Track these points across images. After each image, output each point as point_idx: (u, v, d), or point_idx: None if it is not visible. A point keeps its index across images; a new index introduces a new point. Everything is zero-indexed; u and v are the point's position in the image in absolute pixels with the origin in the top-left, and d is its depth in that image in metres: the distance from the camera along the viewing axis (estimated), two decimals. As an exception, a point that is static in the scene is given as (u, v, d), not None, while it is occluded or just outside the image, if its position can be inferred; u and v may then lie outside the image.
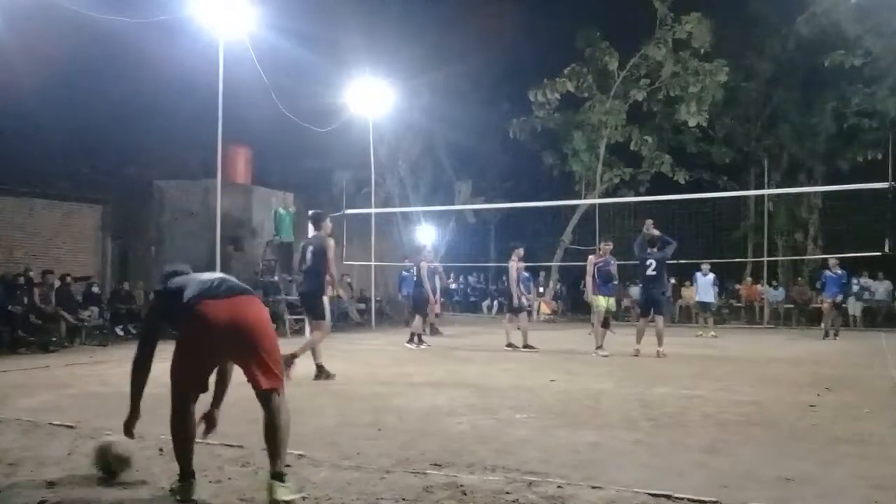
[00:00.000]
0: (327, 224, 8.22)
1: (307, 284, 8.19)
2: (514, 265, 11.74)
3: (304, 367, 7.82)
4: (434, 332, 15.03)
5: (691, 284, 21.23)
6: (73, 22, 12.84)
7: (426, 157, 24.71)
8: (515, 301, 11.71)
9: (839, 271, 14.73)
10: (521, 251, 12.03)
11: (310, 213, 8.49)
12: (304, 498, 3.41)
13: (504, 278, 21.82)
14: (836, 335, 14.44)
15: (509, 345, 11.50)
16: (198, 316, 3.41)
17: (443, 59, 21.74)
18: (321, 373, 7.83)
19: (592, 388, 7.23)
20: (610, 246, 11.26)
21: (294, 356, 7.43)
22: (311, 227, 8.27)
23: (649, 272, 10.83)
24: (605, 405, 6.22)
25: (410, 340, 12.11)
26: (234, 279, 3.70)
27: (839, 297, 14.88)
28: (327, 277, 7.97)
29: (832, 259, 15.18)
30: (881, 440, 4.87)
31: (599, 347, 10.60)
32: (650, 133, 22.69)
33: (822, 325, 15.13)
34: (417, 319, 12.44)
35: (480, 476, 3.85)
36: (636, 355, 10.31)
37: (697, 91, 21.34)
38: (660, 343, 10.41)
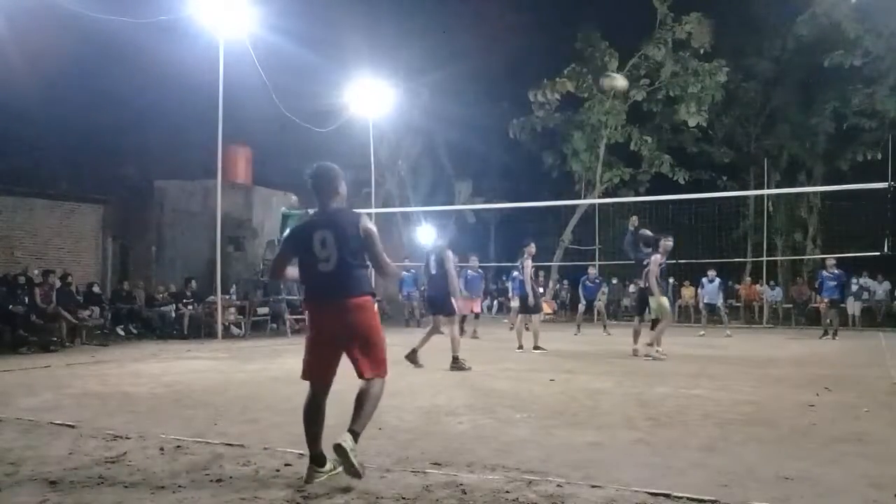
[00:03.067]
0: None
1: (435, 289, 9.21)
2: (529, 263, 11.27)
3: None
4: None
5: (691, 284, 21.29)
6: (73, 22, 12.87)
7: (426, 157, 24.74)
8: (531, 300, 11.08)
9: (836, 271, 14.72)
10: (533, 248, 11.46)
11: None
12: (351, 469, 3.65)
13: (504, 277, 21.82)
14: (834, 335, 14.40)
15: (536, 347, 10.98)
16: None
17: (443, 60, 21.78)
18: (457, 363, 8.81)
19: (592, 387, 7.24)
20: (671, 243, 10.70)
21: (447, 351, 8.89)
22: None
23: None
24: (605, 405, 6.22)
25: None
26: None
27: (836, 297, 14.84)
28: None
29: (829, 259, 15.15)
30: (880, 440, 4.88)
31: (654, 347, 10.05)
32: (650, 133, 22.71)
33: (823, 323, 15.17)
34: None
35: (480, 475, 3.85)
36: (635, 355, 10.31)
37: (697, 91, 21.37)
38: (657, 343, 10.39)
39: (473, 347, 12.50)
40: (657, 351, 9.98)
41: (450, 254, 11.04)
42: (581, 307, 16.90)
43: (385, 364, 3.90)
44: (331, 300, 3.82)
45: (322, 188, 3.96)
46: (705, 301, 16.51)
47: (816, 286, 16.52)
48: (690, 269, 20.12)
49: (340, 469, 3.68)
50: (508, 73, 23.97)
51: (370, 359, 3.83)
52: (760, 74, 22.70)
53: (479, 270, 15.63)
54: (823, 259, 21.21)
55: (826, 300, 14.80)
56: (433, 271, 9.13)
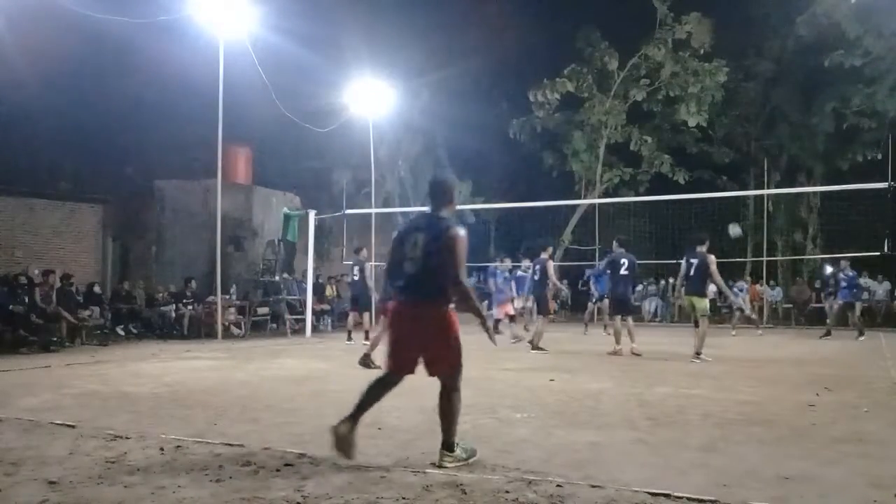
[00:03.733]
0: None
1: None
2: (552, 263, 11.26)
3: (301, 367, 7.82)
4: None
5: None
6: (73, 22, 12.87)
7: (426, 157, 24.72)
8: (556, 296, 11.17)
9: (850, 272, 14.51)
10: (551, 248, 11.56)
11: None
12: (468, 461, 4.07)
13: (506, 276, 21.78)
14: (828, 334, 14.36)
15: (537, 347, 10.92)
16: None
17: (443, 60, 21.76)
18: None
19: (592, 387, 7.24)
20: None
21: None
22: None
23: (623, 272, 10.76)
24: (605, 405, 6.23)
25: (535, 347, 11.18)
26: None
27: (849, 299, 14.62)
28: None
29: (843, 261, 14.92)
30: (880, 439, 4.88)
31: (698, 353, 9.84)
32: (650, 133, 22.71)
33: (829, 322, 15.09)
34: (541, 321, 11.63)
35: (480, 475, 3.85)
36: (619, 355, 10.37)
37: (697, 91, 21.38)
38: (632, 340, 10.52)
39: (474, 347, 12.51)
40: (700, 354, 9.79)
41: (551, 263, 11.34)
42: (591, 305, 16.81)
43: (456, 363, 4.14)
44: (409, 299, 4.10)
45: (437, 196, 4.29)
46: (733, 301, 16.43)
47: (829, 288, 16.40)
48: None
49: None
50: (508, 73, 23.98)
51: (440, 356, 4.08)
52: (760, 74, 22.70)
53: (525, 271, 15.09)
54: (823, 259, 21.25)
55: (841, 302, 14.67)
56: (536, 278, 11.27)
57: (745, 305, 16.79)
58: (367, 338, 12.00)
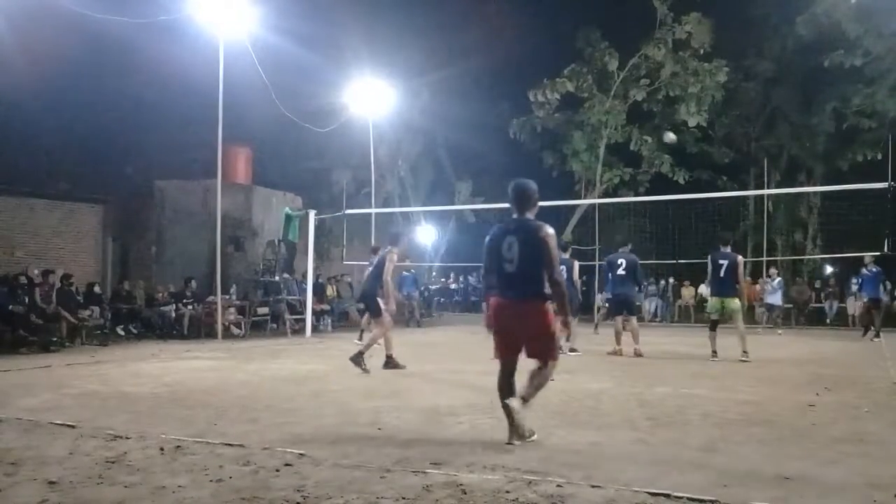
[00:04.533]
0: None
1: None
2: (576, 262, 10.90)
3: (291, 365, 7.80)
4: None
5: (691, 284, 21.29)
6: (73, 22, 12.87)
7: (426, 157, 24.75)
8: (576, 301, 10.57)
9: (874, 269, 14.23)
10: (571, 248, 11.25)
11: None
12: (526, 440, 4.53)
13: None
14: (877, 335, 13.79)
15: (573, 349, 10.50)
16: None
17: (443, 60, 21.79)
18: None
19: (592, 387, 7.24)
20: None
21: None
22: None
23: (619, 272, 10.70)
24: (605, 405, 6.23)
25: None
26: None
27: (875, 296, 14.28)
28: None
29: (867, 256, 14.59)
30: (880, 440, 4.88)
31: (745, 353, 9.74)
32: (650, 133, 22.71)
33: (867, 325, 14.62)
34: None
35: (480, 475, 3.85)
36: (619, 355, 10.36)
37: (697, 91, 21.38)
38: (636, 341, 10.38)
39: (474, 347, 12.51)
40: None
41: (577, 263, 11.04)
42: (604, 306, 16.69)
43: (553, 351, 4.71)
44: (511, 297, 4.56)
45: (521, 200, 4.69)
46: (767, 301, 16.33)
47: (855, 286, 16.18)
48: (690, 270, 20.13)
49: (534, 437, 4.55)
50: (508, 73, 24.02)
51: (540, 347, 4.59)
52: (760, 74, 22.71)
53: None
54: (823, 259, 21.26)
55: (866, 299, 14.46)
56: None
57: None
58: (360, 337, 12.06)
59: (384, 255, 8.70)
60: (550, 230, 4.54)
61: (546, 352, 4.61)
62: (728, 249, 10.03)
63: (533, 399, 4.64)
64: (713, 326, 10.02)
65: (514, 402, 4.45)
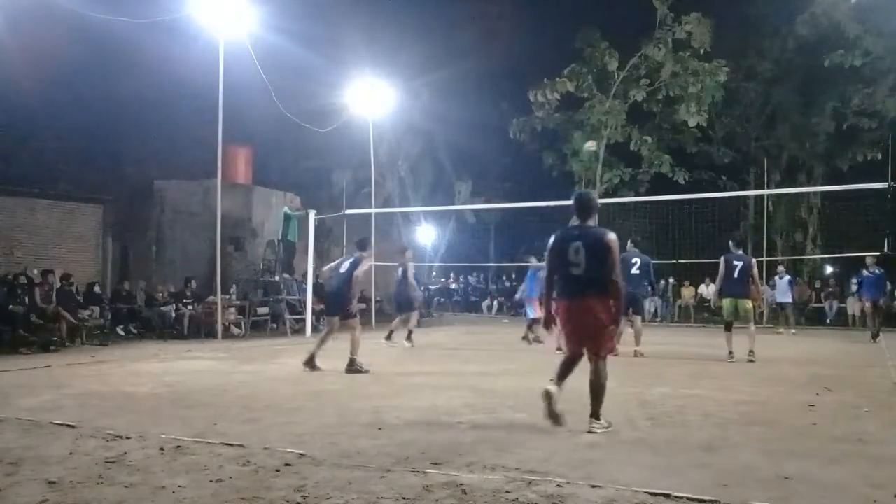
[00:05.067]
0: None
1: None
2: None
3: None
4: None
5: (690, 284, 21.30)
6: (73, 22, 12.88)
7: (426, 157, 24.75)
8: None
9: (877, 270, 14.11)
10: None
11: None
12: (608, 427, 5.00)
13: (504, 278, 21.78)
14: (876, 336, 13.74)
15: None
16: None
17: (443, 60, 21.80)
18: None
19: (592, 387, 7.23)
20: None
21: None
22: None
23: (633, 271, 10.71)
24: (605, 405, 6.22)
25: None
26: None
27: (877, 297, 14.17)
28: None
29: (869, 258, 14.46)
30: (880, 440, 4.88)
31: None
32: (650, 133, 22.71)
33: (869, 325, 14.53)
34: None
35: (480, 475, 3.85)
36: (616, 355, 10.36)
37: (697, 91, 21.37)
38: (637, 342, 10.35)
39: (473, 347, 12.52)
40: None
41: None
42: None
43: (608, 347, 5.07)
44: (577, 298, 4.99)
45: (584, 209, 5.13)
46: (777, 300, 16.20)
47: (856, 286, 16.07)
48: (690, 269, 20.14)
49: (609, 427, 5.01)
50: (508, 73, 24.02)
51: (600, 343, 4.99)
52: (760, 74, 22.71)
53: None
54: (823, 259, 21.23)
55: (868, 301, 14.28)
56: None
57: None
58: (409, 337, 11.98)
59: (356, 259, 8.67)
60: (613, 236, 4.99)
61: (602, 347, 5.01)
62: (740, 251, 10.15)
63: (601, 406, 5.06)
64: (728, 327, 10.05)
65: (553, 387, 4.96)
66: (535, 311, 13.46)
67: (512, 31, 23.37)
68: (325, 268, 9.60)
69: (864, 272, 14.43)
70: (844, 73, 20.16)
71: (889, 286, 18.20)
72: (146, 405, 6.18)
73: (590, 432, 4.88)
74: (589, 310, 4.96)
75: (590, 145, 19.95)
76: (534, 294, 13.72)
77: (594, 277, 4.92)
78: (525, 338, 13.05)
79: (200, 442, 4.61)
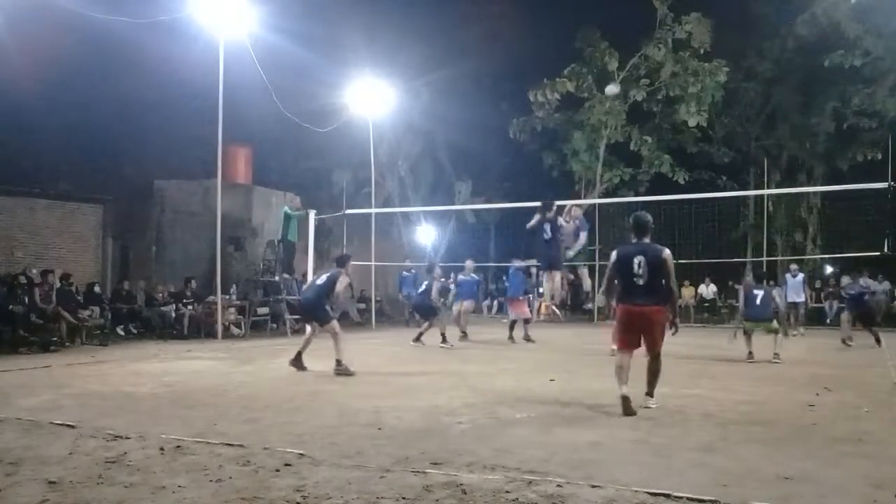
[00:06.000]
0: None
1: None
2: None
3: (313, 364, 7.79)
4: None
5: (690, 284, 21.28)
6: (73, 22, 12.86)
7: (426, 157, 24.72)
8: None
9: (800, 274, 14.65)
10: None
11: None
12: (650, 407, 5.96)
13: (504, 277, 21.84)
14: (786, 334, 14.08)
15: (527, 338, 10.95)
16: None
17: (443, 60, 21.77)
18: None
19: (592, 387, 7.24)
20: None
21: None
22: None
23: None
24: (605, 405, 6.23)
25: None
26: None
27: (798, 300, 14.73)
28: None
29: (793, 265, 14.91)
30: (880, 439, 4.88)
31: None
32: (650, 133, 22.70)
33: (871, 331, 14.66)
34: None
35: (480, 475, 3.85)
36: (613, 355, 10.43)
37: (697, 91, 21.36)
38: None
39: (473, 347, 12.51)
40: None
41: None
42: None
43: (660, 345, 5.99)
44: (639, 304, 5.91)
45: (641, 229, 6.09)
46: (788, 299, 16.10)
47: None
48: (690, 269, 20.12)
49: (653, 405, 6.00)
50: (508, 73, 23.98)
51: (655, 340, 5.96)
52: (760, 74, 22.68)
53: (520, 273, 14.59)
54: (823, 259, 21.19)
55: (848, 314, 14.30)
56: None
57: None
58: (444, 340, 12.06)
59: (334, 275, 8.81)
60: (668, 252, 5.95)
61: (657, 343, 5.98)
62: (762, 286, 10.48)
63: (656, 387, 6.10)
64: (748, 333, 10.28)
65: (626, 390, 5.80)
66: (514, 312, 13.57)
67: (512, 31, 23.34)
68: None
69: (787, 276, 14.68)
70: (844, 73, 20.14)
71: (874, 288, 18.22)
72: (146, 405, 6.18)
73: (646, 407, 5.89)
74: (649, 313, 5.92)
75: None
76: (517, 294, 13.82)
77: (653, 286, 5.87)
78: (511, 338, 13.16)
79: (200, 442, 4.61)
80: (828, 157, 22.12)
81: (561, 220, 9.99)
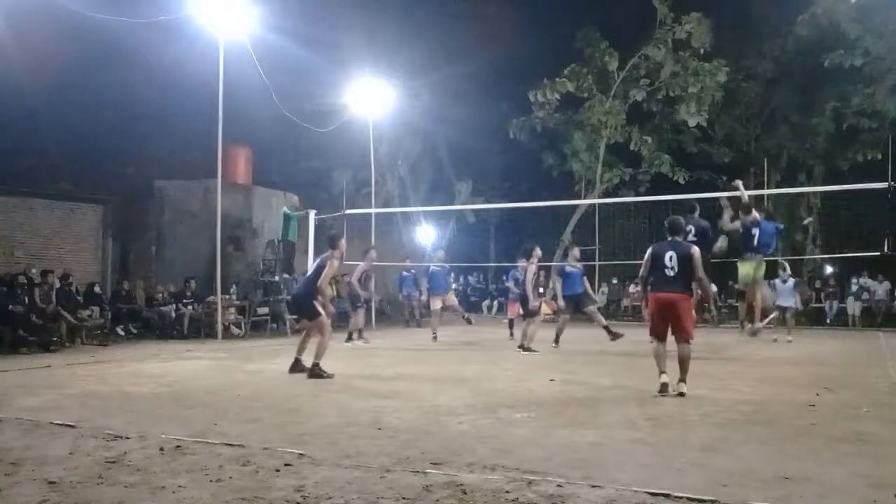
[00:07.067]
0: None
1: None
2: (532, 267, 11.05)
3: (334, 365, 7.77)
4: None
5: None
6: (73, 22, 12.86)
7: (426, 157, 24.72)
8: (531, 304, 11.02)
9: (579, 266, 14.55)
10: (539, 252, 11.22)
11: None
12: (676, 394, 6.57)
13: (504, 277, 21.84)
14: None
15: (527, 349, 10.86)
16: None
17: (443, 60, 21.75)
18: None
19: (592, 387, 7.24)
20: None
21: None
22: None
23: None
24: (605, 405, 6.23)
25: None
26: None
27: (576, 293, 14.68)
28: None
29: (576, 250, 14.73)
30: (880, 439, 4.88)
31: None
32: (650, 133, 22.69)
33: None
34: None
35: (480, 475, 3.85)
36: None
37: (697, 91, 21.35)
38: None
39: (473, 347, 12.52)
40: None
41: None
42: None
43: (691, 333, 6.85)
44: (669, 293, 6.77)
45: (676, 229, 7.18)
46: (778, 303, 16.08)
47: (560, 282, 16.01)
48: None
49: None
50: (508, 74, 23.95)
51: (683, 329, 6.77)
52: (760, 74, 22.67)
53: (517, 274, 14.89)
54: (823, 259, 21.18)
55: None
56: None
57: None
58: (349, 339, 12.42)
59: (323, 259, 8.31)
60: (696, 249, 6.89)
61: (684, 331, 6.75)
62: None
63: (686, 374, 6.74)
64: (742, 297, 10.88)
65: (666, 378, 6.65)
66: (512, 312, 13.73)
67: (512, 31, 23.32)
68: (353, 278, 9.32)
69: (567, 268, 14.61)
70: (844, 74, 20.12)
71: (858, 287, 18.21)
72: (146, 405, 6.18)
73: (679, 393, 6.53)
74: (676, 300, 6.73)
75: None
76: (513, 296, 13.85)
77: (681, 278, 6.76)
78: (512, 336, 13.27)
79: (200, 442, 4.61)
80: (828, 157, 22.10)
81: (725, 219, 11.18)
